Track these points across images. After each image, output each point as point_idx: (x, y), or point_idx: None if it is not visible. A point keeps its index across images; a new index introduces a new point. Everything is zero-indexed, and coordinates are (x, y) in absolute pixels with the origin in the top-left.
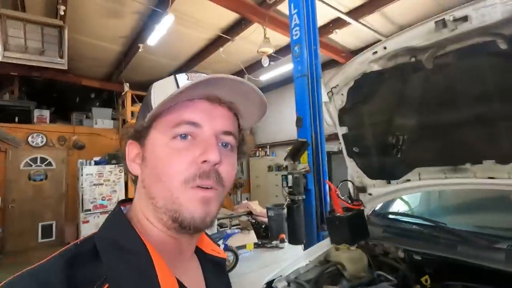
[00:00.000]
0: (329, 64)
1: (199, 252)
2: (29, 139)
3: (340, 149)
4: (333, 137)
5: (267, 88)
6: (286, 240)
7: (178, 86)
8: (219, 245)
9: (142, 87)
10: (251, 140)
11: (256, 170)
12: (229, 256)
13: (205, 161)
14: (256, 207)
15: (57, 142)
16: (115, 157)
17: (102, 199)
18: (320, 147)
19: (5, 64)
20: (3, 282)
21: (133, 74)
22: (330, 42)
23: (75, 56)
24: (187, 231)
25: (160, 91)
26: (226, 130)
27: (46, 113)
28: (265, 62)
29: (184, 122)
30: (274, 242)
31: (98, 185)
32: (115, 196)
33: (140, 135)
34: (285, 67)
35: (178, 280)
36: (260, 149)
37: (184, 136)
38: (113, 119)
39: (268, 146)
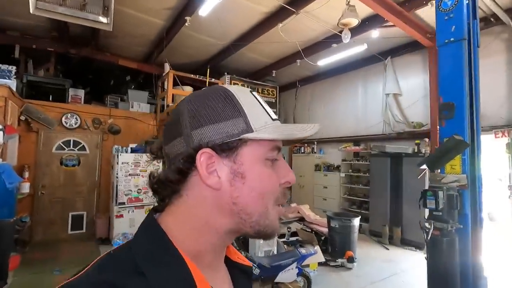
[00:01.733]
0: (409, 47)
1: (226, 259)
2: (63, 119)
3: (416, 150)
4: (405, 136)
5: (322, 75)
6: (355, 258)
7: (265, 110)
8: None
9: (182, 70)
10: None
11: (300, 168)
12: (299, 282)
13: (287, 182)
14: (309, 212)
15: (91, 125)
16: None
17: (137, 192)
18: (477, 149)
19: (42, 39)
20: None
21: (173, 56)
22: (415, 19)
23: (114, 31)
24: (266, 238)
25: (253, 109)
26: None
27: (81, 93)
28: (346, 37)
29: (276, 147)
30: (340, 261)
31: (134, 175)
32: None
33: (226, 147)
34: (346, 52)
35: None
36: (306, 144)
37: (272, 160)
38: (149, 103)
39: (315, 142)
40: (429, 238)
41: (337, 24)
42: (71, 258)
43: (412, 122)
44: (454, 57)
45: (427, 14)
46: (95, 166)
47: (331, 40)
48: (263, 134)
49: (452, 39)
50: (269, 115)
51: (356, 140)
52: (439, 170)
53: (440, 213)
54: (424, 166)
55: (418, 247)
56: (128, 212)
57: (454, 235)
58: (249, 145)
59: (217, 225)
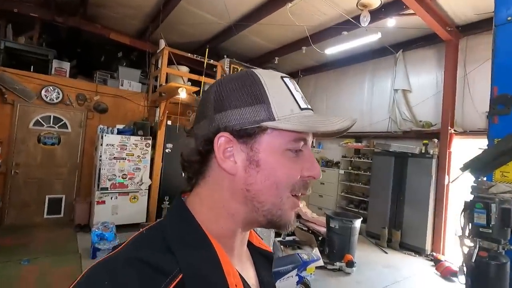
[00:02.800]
0: (424, 40)
1: (249, 244)
2: (43, 92)
3: (423, 151)
4: (412, 135)
5: (327, 66)
6: (355, 263)
7: (294, 98)
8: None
9: (178, 49)
10: None
11: None
12: None
13: (310, 176)
14: (305, 209)
15: (75, 101)
16: (143, 127)
17: (122, 177)
18: None
19: (26, 4)
20: (83, 273)
21: (169, 33)
22: (436, 8)
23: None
24: (280, 229)
25: (277, 95)
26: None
27: (66, 65)
28: (365, 19)
29: (302, 139)
30: (338, 264)
31: (120, 159)
32: (138, 175)
33: (245, 134)
34: (357, 41)
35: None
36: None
37: (296, 151)
38: (141, 83)
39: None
40: (473, 260)
41: (356, 5)
42: (45, 245)
43: (421, 121)
44: None
45: (449, 3)
46: (77, 146)
47: (342, 26)
48: (284, 124)
49: None
50: (298, 103)
51: (358, 137)
52: (485, 177)
53: (490, 231)
54: (474, 171)
55: (417, 252)
56: (111, 198)
57: (505, 259)
58: (269, 134)
59: (232, 210)
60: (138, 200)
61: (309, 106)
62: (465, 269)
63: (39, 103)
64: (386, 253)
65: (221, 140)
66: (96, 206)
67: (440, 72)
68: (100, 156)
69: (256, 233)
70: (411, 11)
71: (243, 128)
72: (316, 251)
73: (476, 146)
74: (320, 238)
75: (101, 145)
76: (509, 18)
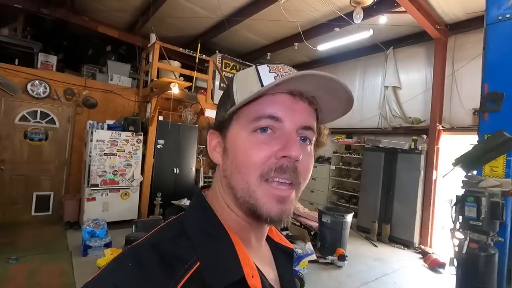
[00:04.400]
0: (414, 38)
1: (269, 240)
2: (29, 86)
3: (412, 147)
4: (402, 131)
5: (319, 62)
6: (346, 257)
7: (260, 80)
8: None
9: (169, 44)
10: (327, 132)
11: None
12: None
13: (284, 156)
14: (298, 204)
15: (63, 96)
16: (134, 123)
17: (113, 174)
18: None
19: None
20: (113, 258)
21: (160, 27)
22: (426, 6)
23: None
24: (263, 223)
25: (242, 84)
26: (306, 125)
27: (53, 59)
28: (358, 17)
29: (266, 116)
30: (330, 258)
31: (110, 155)
32: (129, 171)
33: (222, 126)
34: (349, 38)
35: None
36: None
37: (264, 130)
38: (131, 77)
39: None
40: (464, 251)
41: (350, 2)
42: (34, 244)
43: (410, 118)
44: (508, 38)
45: (438, 2)
46: (65, 142)
47: (334, 23)
48: (238, 103)
49: (508, 15)
50: (262, 83)
51: (349, 133)
52: (475, 172)
53: (480, 223)
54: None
55: (406, 245)
56: (102, 195)
57: (494, 250)
58: (235, 119)
59: (226, 200)
60: (130, 196)
61: (278, 82)
62: (455, 260)
63: (25, 98)
64: (376, 246)
65: (210, 136)
66: (86, 203)
67: (429, 70)
68: (90, 152)
69: (277, 230)
70: (402, 9)
71: (219, 121)
72: (309, 245)
73: (463, 142)
74: (312, 233)
75: (91, 141)
76: (500, 18)
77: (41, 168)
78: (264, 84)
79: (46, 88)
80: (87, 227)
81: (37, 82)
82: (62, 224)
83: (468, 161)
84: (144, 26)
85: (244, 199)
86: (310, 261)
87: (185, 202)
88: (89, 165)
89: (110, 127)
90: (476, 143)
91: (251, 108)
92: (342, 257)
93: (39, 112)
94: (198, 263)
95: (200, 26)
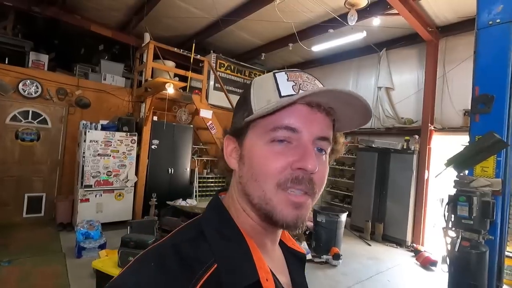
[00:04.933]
0: (406, 40)
1: (282, 244)
2: (20, 86)
3: (405, 147)
4: (395, 131)
5: (313, 63)
6: (341, 255)
7: (278, 88)
8: None
9: (163, 43)
10: (343, 140)
11: None
12: None
13: (300, 168)
14: None
15: (55, 95)
16: (128, 123)
17: (107, 175)
18: (510, 150)
19: None
20: (138, 256)
21: (154, 27)
22: (419, 8)
23: None
24: (279, 228)
25: (260, 91)
26: (322, 136)
27: (45, 58)
28: (352, 18)
29: (283, 127)
30: (325, 257)
31: (104, 156)
32: (123, 172)
33: (239, 133)
34: (343, 39)
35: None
36: None
37: (281, 141)
38: (124, 77)
39: None
40: (457, 249)
41: (344, 4)
42: (26, 246)
43: (402, 118)
44: (498, 43)
45: (430, 5)
46: (58, 143)
47: (328, 24)
48: (255, 113)
49: (498, 20)
50: (279, 92)
51: (343, 133)
52: (466, 172)
53: (472, 222)
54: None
55: (399, 243)
56: (96, 196)
57: (485, 248)
58: (251, 128)
59: (242, 206)
60: (124, 197)
61: (295, 92)
62: (448, 258)
63: (16, 97)
64: (369, 245)
65: (226, 141)
66: (79, 204)
67: (421, 71)
68: (83, 152)
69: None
70: (395, 11)
71: (236, 127)
72: (304, 245)
73: (453, 142)
74: (307, 232)
75: (84, 141)
76: (490, 23)
77: (33, 168)
78: (282, 94)
79: (38, 88)
80: (81, 229)
81: (28, 81)
82: (55, 226)
83: (460, 161)
84: (138, 25)
85: (261, 205)
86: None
87: (180, 202)
88: (83, 166)
89: (103, 127)
90: (468, 144)
91: (268, 117)
92: (337, 256)
93: (30, 112)
94: (215, 265)
95: (195, 26)
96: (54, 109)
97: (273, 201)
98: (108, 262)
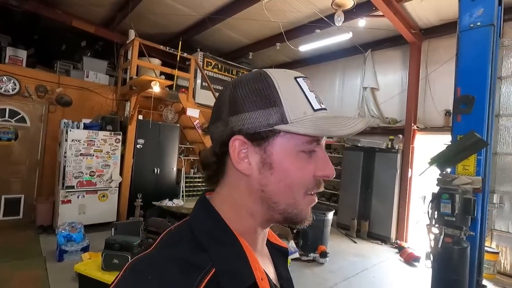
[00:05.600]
0: (390, 41)
1: (266, 241)
2: None
3: (389, 146)
4: (379, 131)
5: (300, 63)
6: (328, 253)
7: (307, 99)
8: None
9: (149, 41)
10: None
11: None
12: None
13: (324, 175)
14: None
15: (34, 93)
16: (112, 122)
17: (90, 175)
18: (489, 149)
19: None
20: (124, 268)
21: (139, 23)
22: (403, 11)
23: None
24: (298, 226)
25: (292, 98)
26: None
27: (23, 54)
28: (339, 19)
29: (315, 140)
30: (312, 255)
31: (87, 155)
32: (107, 172)
33: (259, 137)
34: (330, 40)
35: None
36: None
37: (309, 151)
38: (108, 74)
39: None
40: (440, 245)
41: (331, 5)
42: (4, 249)
43: (387, 118)
44: (478, 45)
45: (414, 8)
46: (37, 142)
47: (315, 25)
48: (297, 127)
49: (478, 23)
50: (311, 104)
51: None
52: (449, 170)
53: (454, 219)
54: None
55: (383, 240)
56: (78, 197)
57: (466, 243)
58: (282, 136)
59: (251, 209)
60: (108, 198)
61: (323, 106)
62: (431, 255)
63: None
64: (355, 242)
65: (236, 143)
66: (61, 206)
67: (404, 72)
68: (65, 152)
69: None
70: (380, 13)
71: (257, 131)
72: (292, 244)
73: (435, 142)
74: (295, 231)
75: (66, 140)
76: (471, 25)
77: (11, 169)
78: (315, 107)
79: (15, 85)
80: (63, 231)
81: (5, 78)
82: (34, 229)
83: (442, 160)
84: (122, 21)
85: (287, 210)
86: (293, 259)
87: (167, 202)
88: (64, 166)
89: (86, 126)
90: (450, 143)
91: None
92: (324, 254)
93: (7, 110)
94: (213, 270)
95: (182, 23)
96: (34, 107)
97: (300, 205)
98: (91, 265)
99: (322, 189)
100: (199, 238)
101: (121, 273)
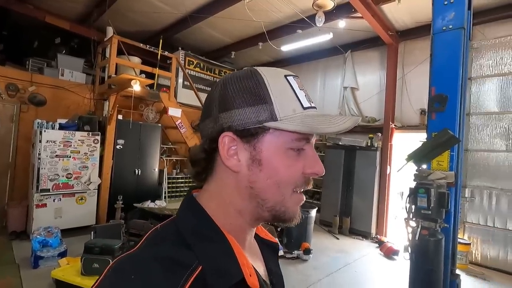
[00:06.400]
0: (369, 43)
1: (256, 236)
2: None
3: (369, 144)
4: (359, 129)
5: (282, 62)
6: (311, 250)
7: (297, 97)
8: None
9: (129, 38)
10: None
11: None
12: None
13: (313, 173)
14: None
15: (4, 92)
16: (90, 122)
17: (67, 177)
18: (461, 146)
19: None
20: (107, 267)
21: (118, 20)
22: (380, 13)
23: None
24: (286, 224)
25: (282, 96)
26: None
27: None
28: (320, 20)
29: (304, 138)
30: (296, 252)
31: (63, 157)
32: (85, 174)
33: (249, 134)
34: (311, 40)
35: None
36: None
37: (298, 149)
38: (85, 73)
39: None
40: (417, 237)
41: (312, 5)
42: None
43: (367, 117)
44: (450, 47)
45: (391, 10)
46: (8, 144)
47: (297, 25)
48: (286, 124)
49: (450, 26)
50: (301, 102)
51: None
52: (425, 166)
53: (430, 212)
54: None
55: (364, 236)
56: (54, 200)
57: (441, 235)
58: (271, 133)
59: (239, 207)
60: (86, 201)
61: (313, 105)
62: (409, 247)
63: None
64: (337, 239)
65: (225, 140)
66: (35, 210)
67: (383, 72)
68: (39, 154)
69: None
70: (359, 15)
71: (246, 128)
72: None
73: (412, 139)
74: (279, 229)
75: (40, 141)
76: (444, 28)
77: None
78: (304, 105)
79: None
80: (38, 236)
81: None
82: (6, 235)
83: (418, 156)
84: (99, 18)
85: (275, 208)
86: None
87: (149, 204)
88: (39, 168)
89: (62, 127)
90: (425, 140)
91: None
92: (307, 251)
93: None
94: (200, 267)
95: (162, 21)
96: (4, 107)
97: (288, 203)
98: (69, 271)
99: (310, 186)
100: (184, 235)
101: (104, 273)
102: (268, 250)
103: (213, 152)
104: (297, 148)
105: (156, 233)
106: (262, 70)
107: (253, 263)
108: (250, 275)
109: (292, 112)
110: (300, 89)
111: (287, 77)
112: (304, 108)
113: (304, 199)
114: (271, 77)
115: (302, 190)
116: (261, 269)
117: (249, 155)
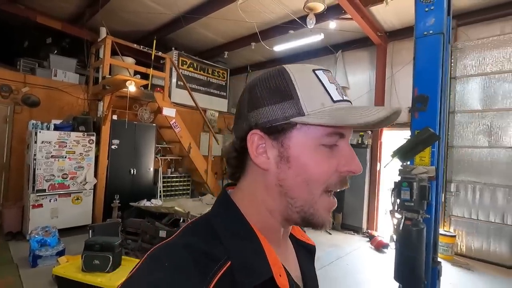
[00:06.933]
0: (359, 43)
1: (292, 237)
2: None
3: (359, 142)
4: None
5: (274, 62)
6: None
7: (327, 90)
8: None
9: (121, 38)
10: None
11: None
12: None
13: (349, 171)
14: None
15: None
16: (84, 122)
17: (63, 178)
18: (441, 142)
19: None
20: (145, 255)
21: (111, 21)
22: (369, 14)
23: None
24: (314, 229)
25: (309, 89)
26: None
27: None
28: (311, 22)
29: (337, 133)
30: None
31: (59, 157)
32: (81, 174)
33: (276, 130)
34: (302, 40)
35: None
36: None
37: (331, 146)
38: (78, 73)
39: None
40: (401, 228)
41: (303, 8)
42: None
43: None
44: (431, 50)
45: (379, 12)
46: (2, 145)
47: (289, 26)
48: (313, 119)
49: (431, 31)
50: (330, 96)
51: None
52: (409, 162)
53: (412, 204)
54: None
55: (356, 231)
56: (50, 201)
57: (423, 225)
58: (299, 129)
59: (270, 206)
60: (82, 201)
61: (346, 98)
62: (394, 237)
63: None
64: (330, 234)
65: (254, 137)
66: (31, 211)
67: (372, 72)
68: (35, 155)
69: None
70: (349, 16)
71: (273, 125)
72: None
73: (400, 137)
74: None
75: (35, 142)
76: (425, 33)
77: None
78: (334, 98)
79: None
80: (36, 236)
81: None
82: (2, 235)
83: (402, 152)
84: (92, 18)
85: (303, 208)
86: None
87: (145, 203)
88: (34, 169)
89: (57, 127)
90: (409, 137)
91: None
92: None
93: None
94: (229, 262)
95: (155, 21)
96: None
97: (317, 204)
98: (70, 268)
99: (347, 186)
100: (216, 230)
101: (142, 260)
102: (304, 252)
103: (244, 151)
104: (330, 144)
105: (191, 226)
106: (289, 67)
107: (285, 263)
108: (280, 275)
109: (320, 106)
110: (331, 83)
111: (316, 71)
112: (335, 101)
113: (336, 204)
114: (298, 72)
115: (337, 190)
116: (294, 271)
117: (277, 152)
